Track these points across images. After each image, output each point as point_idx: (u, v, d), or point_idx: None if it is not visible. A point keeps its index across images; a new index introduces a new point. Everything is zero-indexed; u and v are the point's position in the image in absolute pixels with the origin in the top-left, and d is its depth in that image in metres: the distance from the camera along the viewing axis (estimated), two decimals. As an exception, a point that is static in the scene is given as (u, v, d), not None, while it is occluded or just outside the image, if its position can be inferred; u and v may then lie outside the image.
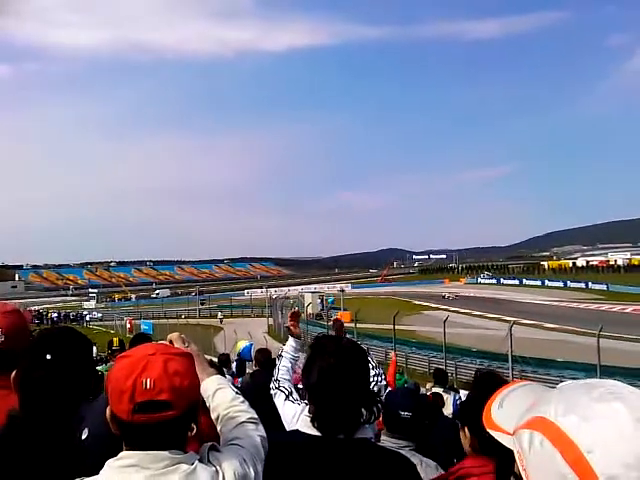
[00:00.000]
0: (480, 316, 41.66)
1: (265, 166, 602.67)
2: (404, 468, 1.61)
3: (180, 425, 1.22)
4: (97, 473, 1.22)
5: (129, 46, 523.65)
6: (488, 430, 0.96)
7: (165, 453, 1.19)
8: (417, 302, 54.92)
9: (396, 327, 24.08)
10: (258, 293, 67.51)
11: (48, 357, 1.52)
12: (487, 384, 1.75)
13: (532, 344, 22.47)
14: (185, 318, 46.48)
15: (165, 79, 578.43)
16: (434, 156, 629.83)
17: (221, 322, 41.32)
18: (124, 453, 1.20)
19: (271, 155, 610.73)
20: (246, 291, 75.95)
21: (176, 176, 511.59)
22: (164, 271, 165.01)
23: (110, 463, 1.20)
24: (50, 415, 1.50)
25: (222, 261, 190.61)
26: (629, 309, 45.34)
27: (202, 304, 57.36)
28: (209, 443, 1.31)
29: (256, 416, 1.51)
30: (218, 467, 1.25)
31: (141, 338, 6.45)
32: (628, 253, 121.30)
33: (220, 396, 1.54)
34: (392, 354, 11.61)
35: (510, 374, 17.93)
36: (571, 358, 20.56)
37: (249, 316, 47.59)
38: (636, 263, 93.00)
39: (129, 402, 1.17)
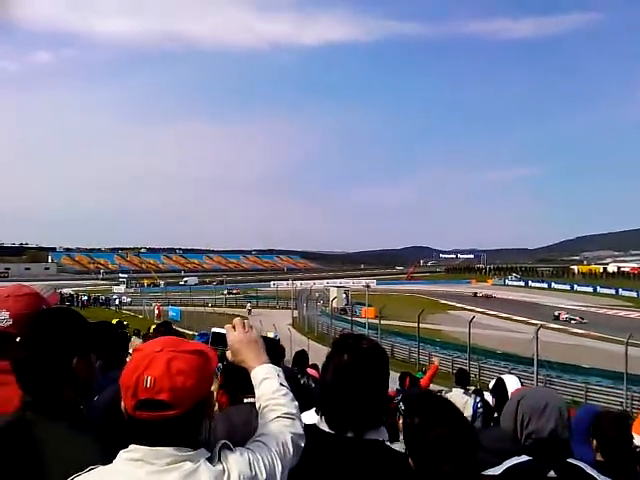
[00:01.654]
0: (507, 318, 41.25)
1: (296, 159, 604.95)
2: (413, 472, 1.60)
3: (186, 423, 1.21)
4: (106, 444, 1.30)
5: (164, 35, 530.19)
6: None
7: (169, 450, 1.19)
8: (443, 301, 54.57)
9: (421, 325, 23.97)
10: (284, 285, 67.61)
11: (17, 340, 1.51)
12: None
13: (559, 349, 22.22)
14: (212, 306, 46.75)
15: (200, 70, 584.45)
16: (466, 154, 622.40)
17: (249, 313, 41.66)
18: (132, 446, 1.21)
19: (302, 148, 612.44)
20: (272, 283, 75.97)
21: (209, 165, 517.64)
22: (193, 259, 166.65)
23: (121, 454, 1.22)
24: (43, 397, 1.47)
25: (250, 252, 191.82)
26: (661, 318, 44.27)
27: (229, 294, 57.82)
28: (222, 441, 1.29)
29: (294, 411, 1.48)
30: (226, 466, 1.24)
31: (164, 326, 6.63)
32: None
33: (264, 387, 1.52)
34: (435, 360, 11.54)
35: (535, 378, 17.76)
36: (597, 365, 20.25)
37: (274, 307, 47.86)
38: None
39: (132, 398, 1.19)
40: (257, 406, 1.52)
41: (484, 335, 25.76)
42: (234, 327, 1.63)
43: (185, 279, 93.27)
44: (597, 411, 2.86)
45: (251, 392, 1.75)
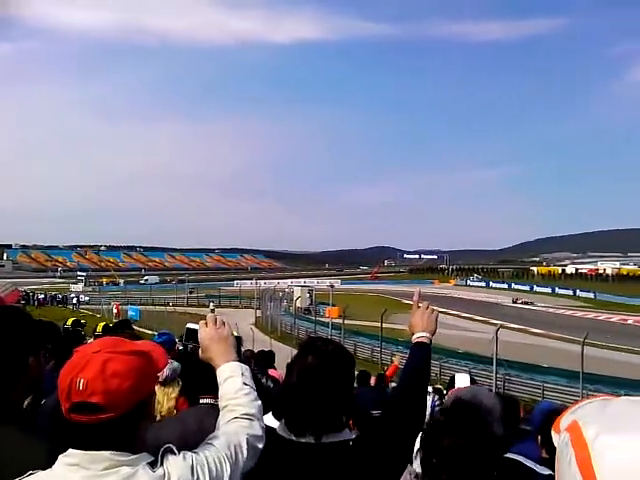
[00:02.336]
0: (468, 318, 41.85)
1: (262, 158, 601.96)
2: (381, 469, 1.59)
3: (123, 426, 1.18)
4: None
5: (133, 29, 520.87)
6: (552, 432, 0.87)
7: (107, 454, 1.16)
8: (406, 301, 55.04)
9: (384, 325, 24.13)
10: (247, 285, 67.15)
11: None
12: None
13: (518, 348, 22.59)
14: (173, 306, 46.01)
15: (167, 65, 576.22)
16: (430, 156, 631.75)
17: (212, 312, 40.94)
18: (70, 451, 1.18)
19: (268, 147, 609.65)
20: (235, 282, 75.50)
21: (172, 162, 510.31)
22: (154, 258, 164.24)
23: (60, 458, 1.18)
24: None
25: (213, 251, 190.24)
26: (615, 318, 45.68)
27: (190, 293, 57.08)
28: (166, 445, 1.25)
29: (254, 411, 1.47)
30: (167, 471, 1.20)
31: (120, 325, 6.35)
32: (617, 263, 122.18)
33: (226, 386, 1.51)
34: (395, 359, 11.48)
35: (494, 377, 18.05)
36: (555, 364, 20.66)
37: (237, 307, 47.23)
38: (625, 273, 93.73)
39: (66, 400, 1.16)
40: (220, 406, 1.49)
41: (446, 335, 25.89)
42: (207, 323, 1.64)
43: (146, 278, 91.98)
44: (546, 408, 2.82)
45: (209, 392, 1.87)
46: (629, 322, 44.05)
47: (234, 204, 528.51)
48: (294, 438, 1.58)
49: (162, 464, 1.21)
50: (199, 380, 1.91)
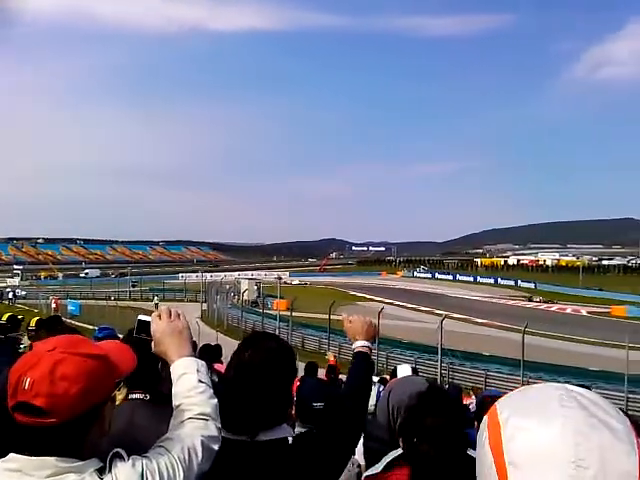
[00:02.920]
0: (414, 309, 42.51)
1: (208, 148, 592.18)
2: (320, 468, 1.58)
3: (70, 432, 1.11)
4: None
5: (73, 15, 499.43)
6: None
7: (52, 460, 1.08)
8: (353, 293, 55.48)
9: (331, 317, 24.13)
10: (193, 278, 66.10)
11: None
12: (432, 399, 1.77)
13: (461, 338, 23.03)
14: (115, 300, 45.06)
15: (108, 52, 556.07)
16: (379, 149, 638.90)
17: (156, 307, 40.10)
18: (11, 455, 1.11)
19: (214, 137, 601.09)
20: (180, 275, 74.39)
21: (113, 152, 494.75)
22: (95, 250, 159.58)
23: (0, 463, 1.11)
24: None
25: (157, 243, 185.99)
26: (554, 307, 47.60)
27: (133, 286, 55.87)
28: (115, 450, 1.17)
29: (209, 410, 1.38)
30: (115, 478, 1.13)
31: (50, 322, 5.86)
32: (557, 254, 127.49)
33: (180, 384, 1.42)
34: (330, 355, 11.37)
35: (439, 366, 18.37)
36: (497, 353, 21.18)
37: (182, 300, 46.54)
38: (563, 264, 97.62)
39: (12, 398, 1.09)
40: (174, 405, 1.41)
41: (392, 325, 26.23)
42: (160, 315, 1.55)
43: (86, 271, 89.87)
44: (486, 396, 2.87)
45: (138, 387, 1.82)
46: (567, 311, 45.93)
47: (179, 195, 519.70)
48: (230, 436, 1.50)
49: (110, 470, 1.13)
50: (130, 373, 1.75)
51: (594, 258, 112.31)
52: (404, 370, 3.72)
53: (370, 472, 1.97)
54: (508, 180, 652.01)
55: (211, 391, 1.43)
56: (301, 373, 8.15)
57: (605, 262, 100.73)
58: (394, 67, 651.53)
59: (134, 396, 1.91)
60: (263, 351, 1.60)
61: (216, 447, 1.36)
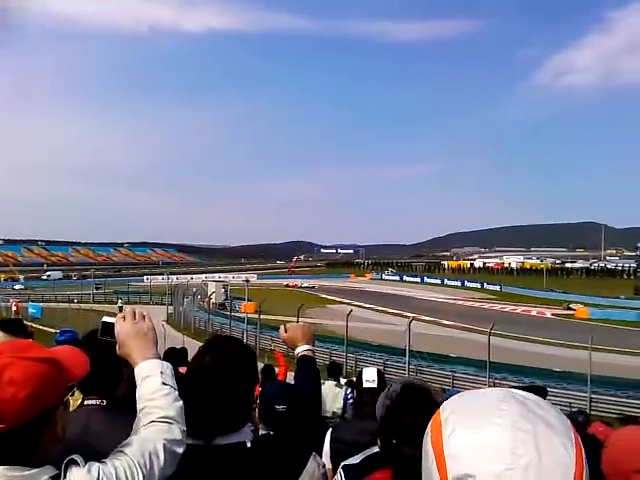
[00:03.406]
0: (382, 311, 42.65)
1: (175, 148, 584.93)
2: (277, 471, 1.57)
3: (19, 439, 1.07)
4: None
5: (41, 12, 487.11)
6: None
7: (0, 470, 1.05)
8: (322, 295, 55.44)
9: (300, 319, 24.00)
10: (158, 280, 65.12)
11: None
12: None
13: (429, 340, 23.15)
14: (78, 302, 44.32)
15: (77, 51, 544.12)
16: (347, 152, 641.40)
17: (120, 310, 39.26)
18: None
19: (182, 137, 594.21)
20: (145, 277, 73.24)
21: (77, 152, 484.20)
22: (57, 252, 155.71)
23: None
24: None
25: (122, 244, 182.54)
26: (519, 309, 48.42)
27: (97, 289, 54.76)
28: (71, 456, 1.13)
29: (173, 413, 1.35)
30: None
31: (10, 324, 5.55)
32: (521, 257, 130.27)
33: (144, 387, 1.38)
34: (274, 347, 11.26)
35: (407, 368, 18.41)
36: (464, 354, 21.36)
37: (148, 303, 45.70)
38: (528, 266, 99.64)
39: None
40: (138, 408, 1.38)
41: (361, 328, 26.25)
42: (124, 317, 1.52)
43: (48, 273, 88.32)
44: (447, 396, 2.85)
45: (95, 392, 1.78)
46: (532, 313, 46.83)
47: (144, 196, 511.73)
48: (187, 440, 1.44)
49: (65, 477, 1.10)
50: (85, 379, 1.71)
51: (557, 261, 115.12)
52: (370, 373, 3.72)
53: (348, 462, 2.02)
54: (474, 184, 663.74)
55: (176, 394, 1.40)
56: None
57: (568, 265, 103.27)
58: (364, 70, 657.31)
59: (90, 402, 1.86)
60: (222, 356, 1.59)
61: (180, 451, 1.32)
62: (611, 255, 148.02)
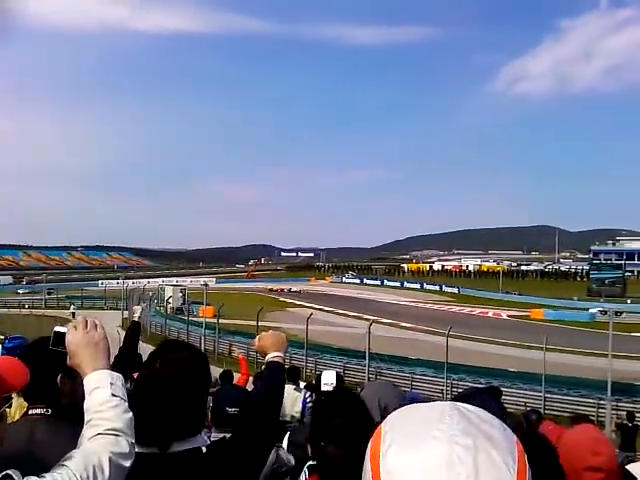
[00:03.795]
0: (343, 314, 42.73)
1: (131, 150, 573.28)
2: (234, 475, 1.57)
3: None
4: None
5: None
6: None
7: None
8: (282, 299, 55.17)
9: (260, 323, 23.93)
10: (113, 284, 63.49)
11: None
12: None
13: (389, 342, 23.27)
14: (29, 308, 43.09)
15: (25, 49, 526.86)
16: (308, 155, 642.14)
17: (73, 316, 38.13)
18: None
19: (138, 138, 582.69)
20: (100, 282, 71.26)
21: (27, 153, 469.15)
22: (7, 256, 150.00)
23: None
24: None
25: (75, 248, 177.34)
26: (476, 311, 49.37)
27: (49, 294, 53.12)
28: (6, 471, 1.10)
29: (121, 425, 1.30)
30: None
31: None
32: (479, 259, 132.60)
33: (92, 398, 1.34)
34: (238, 353, 11.01)
35: (367, 371, 18.45)
36: (423, 356, 21.57)
37: (102, 308, 44.81)
38: (485, 269, 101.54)
39: None
40: (85, 420, 1.34)
41: (321, 331, 26.17)
42: (76, 326, 1.48)
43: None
44: (410, 398, 3.07)
45: (40, 401, 1.75)
46: (489, 315, 47.81)
47: (99, 199, 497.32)
48: (140, 449, 1.43)
49: None
50: (29, 387, 1.67)
51: (513, 264, 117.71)
52: (329, 376, 3.72)
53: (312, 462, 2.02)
54: (434, 189, 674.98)
55: (125, 405, 1.35)
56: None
57: (524, 267, 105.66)
58: (325, 73, 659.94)
59: (34, 411, 1.82)
60: (173, 362, 1.56)
61: (127, 464, 1.27)
62: (565, 258, 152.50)
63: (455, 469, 0.66)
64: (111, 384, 1.36)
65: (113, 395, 1.35)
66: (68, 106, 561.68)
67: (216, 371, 12.41)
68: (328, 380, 3.66)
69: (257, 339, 2.01)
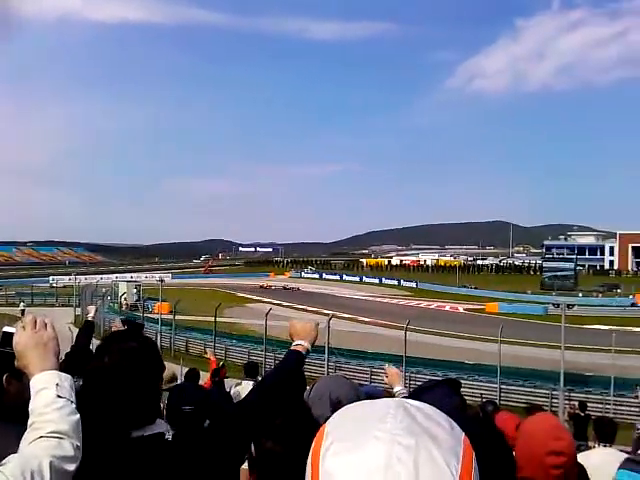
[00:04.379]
0: (302, 309, 42.65)
1: (83, 143, 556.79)
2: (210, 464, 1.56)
3: None
4: None
5: None
6: None
7: None
8: (240, 294, 54.67)
9: (218, 319, 23.67)
10: (65, 280, 61.56)
11: None
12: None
13: (348, 336, 23.32)
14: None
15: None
16: (265, 149, 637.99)
17: (22, 313, 36.73)
18: None
19: (90, 132, 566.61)
20: (51, 278, 68.92)
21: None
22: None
23: None
24: None
25: (24, 244, 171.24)
26: (434, 305, 50.17)
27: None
28: None
29: (66, 428, 1.25)
30: None
31: None
32: (436, 254, 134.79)
33: (37, 400, 1.30)
34: (209, 353, 10.75)
35: (326, 365, 18.42)
36: (381, 350, 21.70)
37: (54, 305, 43.74)
38: (442, 264, 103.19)
39: None
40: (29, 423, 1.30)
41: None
42: (25, 326, 1.44)
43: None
44: (367, 392, 2.81)
45: None
46: (446, 308, 48.63)
47: (50, 193, 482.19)
48: (102, 434, 1.46)
49: None
50: None
51: (470, 258, 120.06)
52: None
53: None
54: (392, 184, 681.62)
55: (72, 407, 1.30)
56: (183, 379, 7.58)
57: (479, 262, 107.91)
58: (281, 67, 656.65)
59: None
60: (121, 352, 1.55)
61: (71, 468, 1.22)
62: (519, 252, 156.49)
63: (394, 470, 0.64)
64: (57, 385, 1.32)
65: (59, 396, 1.30)
66: (17, 98, 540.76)
67: (173, 368, 12.10)
68: None
69: (289, 325, 2.03)
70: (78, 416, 1.31)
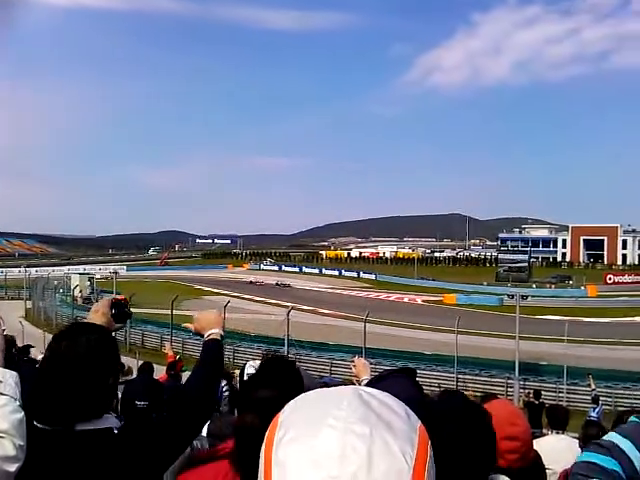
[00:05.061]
0: (261, 302, 42.45)
1: (34, 132, 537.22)
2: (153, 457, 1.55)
3: None
4: None
5: None
6: None
7: None
8: (198, 286, 54.01)
9: (174, 312, 23.28)
10: (15, 273, 59.39)
11: None
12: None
13: (308, 328, 23.32)
14: None
15: None
16: (222, 140, 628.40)
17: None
18: None
19: (42, 119, 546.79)
20: (0, 270, 66.32)
21: None
22: None
23: None
24: None
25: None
26: (393, 297, 50.75)
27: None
28: None
29: (6, 427, 1.24)
30: None
31: None
32: (395, 246, 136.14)
33: None
34: (167, 347, 10.44)
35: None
36: (342, 341, 21.80)
37: (3, 298, 42.46)
38: (400, 256, 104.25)
39: None
40: None
41: (239, 319, 25.78)
42: None
43: None
44: (324, 383, 2.88)
45: None
46: (404, 300, 49.26)
47: None
48: (46, 427, 1.44)
49: None
50: None
51: (427, 250, 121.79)
52: (252, 368, 3.42)
53: None
54: (350, 176, 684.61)
55: (16, 404, 1.29)
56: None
57: (437, 254, 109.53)
58: (237, 56, 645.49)
59: None
60: (79, 342, 1.53)
61: (12, 468, 1.21)
62: (475, 245, 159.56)
63: (347, 459, 0.62)
64: (1, 382, 1.30)
65: (1, 394, 1.28)
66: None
67: (129, 361, 11.75)
68: (251, 372, 3.42)
69: (194, 321, 1.99)
70: (22, 414, 1.27)
